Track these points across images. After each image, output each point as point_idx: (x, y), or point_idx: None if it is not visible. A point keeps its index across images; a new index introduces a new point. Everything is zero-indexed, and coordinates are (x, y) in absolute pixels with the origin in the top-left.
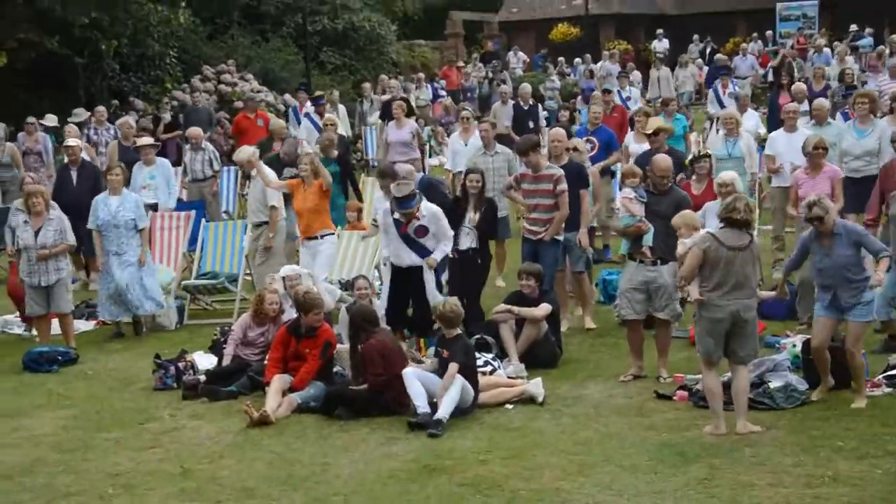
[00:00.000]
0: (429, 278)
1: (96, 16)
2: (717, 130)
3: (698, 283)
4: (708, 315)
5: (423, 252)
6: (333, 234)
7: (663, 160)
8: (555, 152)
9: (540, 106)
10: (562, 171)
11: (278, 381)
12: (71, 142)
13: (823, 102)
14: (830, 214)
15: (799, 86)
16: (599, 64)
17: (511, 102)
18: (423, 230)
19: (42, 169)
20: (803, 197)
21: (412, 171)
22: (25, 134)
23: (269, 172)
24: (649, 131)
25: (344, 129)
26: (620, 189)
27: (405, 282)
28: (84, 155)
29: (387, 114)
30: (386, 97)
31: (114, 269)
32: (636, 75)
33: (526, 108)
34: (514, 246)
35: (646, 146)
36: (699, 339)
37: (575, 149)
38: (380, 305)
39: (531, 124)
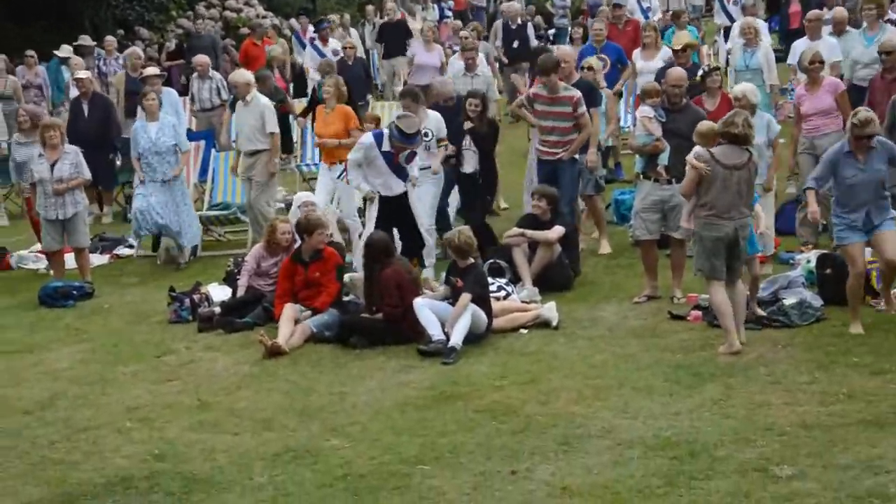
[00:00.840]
0: (416, 200)
1: None
2: (727, 41)
3: (695, 201)
4: (709, 234)
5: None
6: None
7: (676, 71)
8: (563, 72)
9: (530, 24)
10: (580, 93)
11: (290, 310)
12: (81, 74)
13: (842, 11)
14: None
15: None
16: None
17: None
18: (412, 156)
19: (42, 102)
20: (805, 114)
21: (448, 89)
22: (25, 67)
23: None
24: (678, 47)
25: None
26: (629, 107)
27: (395, 209)
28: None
29: (384, 36)
30: (383, 20)
31: (154, 197)
32: None
33: (514, 26)
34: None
35: (654, 63)
36: (701, 260)
37: (590, 67)
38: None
39: (516, 43)
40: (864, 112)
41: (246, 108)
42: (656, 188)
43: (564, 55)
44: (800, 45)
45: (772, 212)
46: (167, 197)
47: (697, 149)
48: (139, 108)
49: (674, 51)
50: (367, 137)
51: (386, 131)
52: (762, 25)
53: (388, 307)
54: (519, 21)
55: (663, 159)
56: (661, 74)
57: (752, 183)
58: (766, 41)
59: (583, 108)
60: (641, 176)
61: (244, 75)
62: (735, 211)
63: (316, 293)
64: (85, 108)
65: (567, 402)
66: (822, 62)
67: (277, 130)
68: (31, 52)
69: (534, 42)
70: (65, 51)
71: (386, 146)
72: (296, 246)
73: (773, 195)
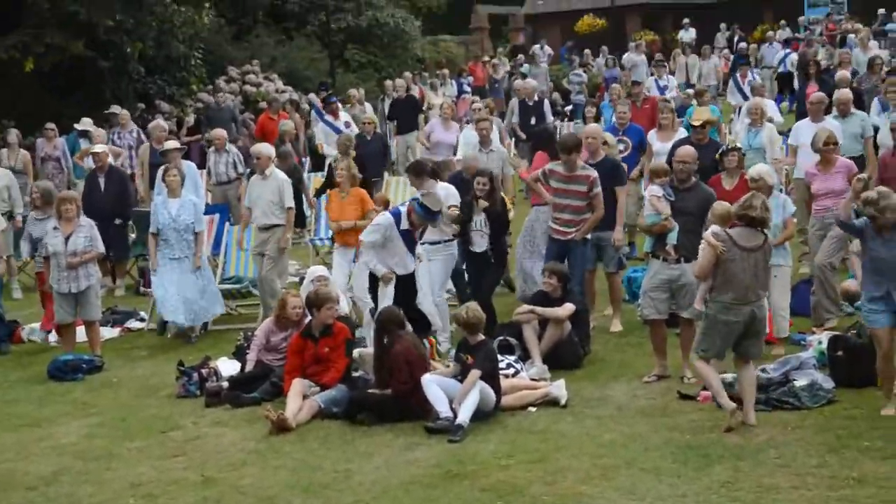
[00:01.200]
0: (425, 274)
1: (121, 18)
2: (741, 121)
3: (710, 283)
4: (724, 317)
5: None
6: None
7: (685, 149)
8: (590, 149)
9: (546, 101)
10: (596, 174)
11: (298, 385)
12: (97, 148)
13: (846, 93)
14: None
15: (843, 74)
16: (626, 56)
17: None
18: (423, 232)
19: (60, 175)
20: (816, 193)
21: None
22: (45, 140)
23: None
24: (697, 123)
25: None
26: (646, 187)
27: (406, 286)
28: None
29: (395, 114)
30: (393, 97)
31: (173, 278)
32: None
33: (531, 103)
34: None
35: (668, 144)
36: (708, 342)
37: (605, 143)
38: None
39: (533, 120)
40: (870, 194)
41: (264, 181)
42: (665, 267)
43: (592, 132)
44: (803, 126)
45: (787, 292)
46: (183, 274)
47: (714, 228)
48: (160, 183)
49: (693, 126)
50: (386, 218)
51: (403, 209)
52: (770, 105)
53: (397, 383)
54: (536, 97)
55: (672, 238)
56: (673, 152)
57: (768, 265)
58: (777, 119)
59: (598, 189)
60: (650, 255)
61: (268, 149)
62: (752, 293)
63: (325, 369)
64: (101, 181)
65: (574, 481)
66: (836, 143)
67: (293, 205)
68: (51, 126)
69: (550, 118)
70: (84, 123)
71: (404, 225)
72: (306, 321)
73: (788, 273)
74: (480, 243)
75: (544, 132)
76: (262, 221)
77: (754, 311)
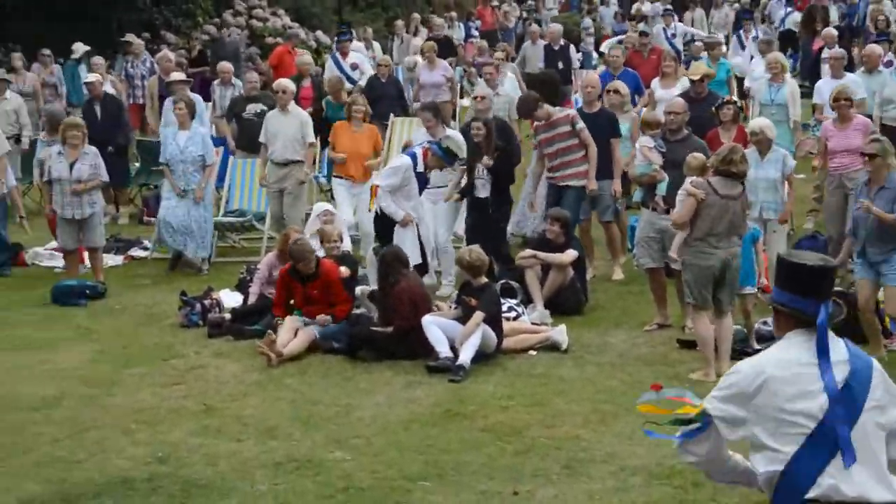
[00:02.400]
0: (433, 217)
1: None
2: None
3: (688, 232)
4: (698, 262)
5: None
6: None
7: (676, 100)
8: (587, 98)
9: (573, 47)
10: (574, 111)
11: (290, 321)
12: (91, 77)
13: (874, 48)
14: (886, 160)
15: (829, 31)
16: (635, 5)
17: (542, 43)
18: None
19: (57, 101)
20: (833, 150)
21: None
22: (41, 66)
23: None
24: (695, 77)
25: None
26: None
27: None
28: (109, 87)
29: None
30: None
31: (178, 209)
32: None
33: (556, 48)
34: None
35: (673, 91)
36: (691, 287)
37: (616, 91)
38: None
39: (560, 65)
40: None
41: (284, 117)
42: (656, 217)
43: (590, 81)
44: (824, 84)
45: (783, 246)
46: (189, 209)
47: (694, 178)
48: (168, 114)
49: (691, 81)
50: (404, 160)
51: (418, 150)
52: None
53: (400, 319)
54: (561, 42)
55: (661, 189)
56: None
57: (745, 215)
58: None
59: (581, 124)
60: (641, 205)
61: (289, 85)
62: (726, 241)
63: (319, 309)
64: (97, 109)
65: (573, 426)
66: (848, 99)
67: (314, 140)
68: (46, 51)
69: (576, 64)
70: (77, 50)
71: (420, 167)
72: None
73: (785, 230)
74: (482, 190)
75: (545, 76)
76: (281, 156)
77: (728, 259)
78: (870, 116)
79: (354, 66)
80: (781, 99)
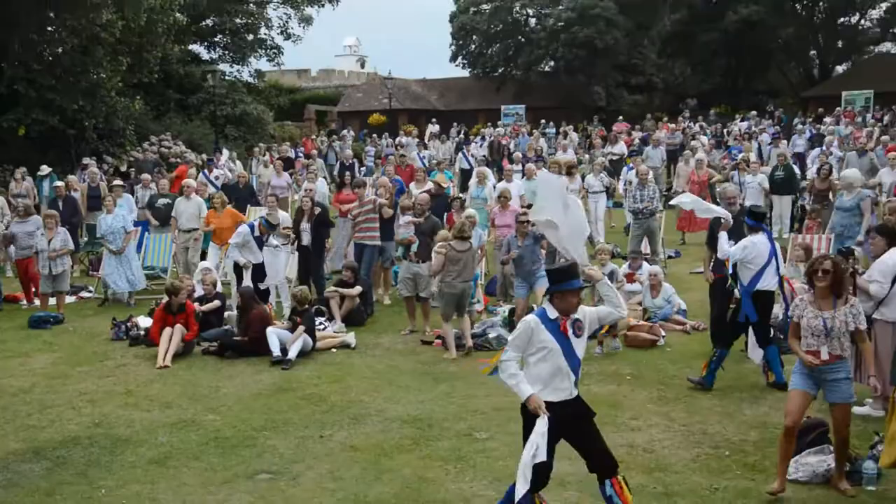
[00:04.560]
0: (271, 265)
1: (82, 104)
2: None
3: (442, 276)
4: (449, 291)
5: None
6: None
7: (422, 196)
8: (384, 195)
9: (357, 162)
10: (381, 200)
11: (165, 335)
12: (58, 183)
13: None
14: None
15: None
16: (398, 139)
17: (341, 161)
18: (269, 237)
19: (26, 201)
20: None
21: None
22: (14, 182)
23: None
24: (435, 181)
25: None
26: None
27: (257, 271)
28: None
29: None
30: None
31: (115, 263)
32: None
33: (348, 164)
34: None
35: (419, 189)
36: (443, 306)
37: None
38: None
39: (347, 175)
40: None
41: (188, 202)
42: (412, 265)
43: (383, 182)
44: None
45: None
46: (120, 260)
47: (441, 242)
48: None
49: (434, 182)
50: (244, 228)
51: (256, 223)
52: (490, 175)
53: (252, 332)
54: (349, 161)
55: (414, 248)
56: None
57: (473, 261)
58: (491, 183)
59: (382, 201)
60: (402, 258)
61: (192, 182)
62: (461, 278)
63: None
64: (60, 204)
65: (358, 393)
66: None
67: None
68: (21, 170)
69: (357, 174)
70: (43, 169)
71: (256, 233)
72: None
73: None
74: (306, 238)
75: (358, 180)
76: (186, 226)
77: (465, 289)
78: None
79: (217, 178)
80: (484, 195)
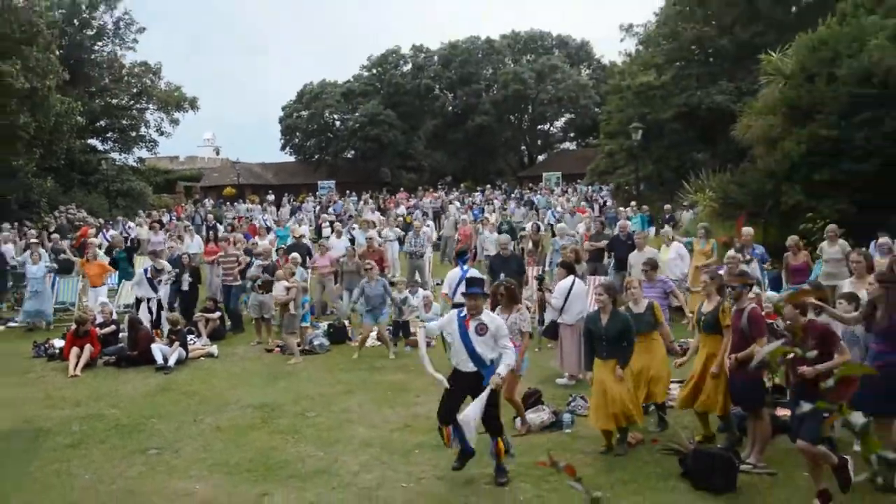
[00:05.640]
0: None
1: (7, 188)
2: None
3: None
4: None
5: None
6: (105, 285)
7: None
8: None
9: (218, 224)
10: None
11: (74, 352)
12: None
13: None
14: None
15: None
16: (243, 206)
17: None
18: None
19: None
20: None
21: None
22: None
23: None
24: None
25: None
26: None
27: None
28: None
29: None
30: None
31: (35, 299)
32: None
33: (210, 224)
34: None
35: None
36: (286, 325)
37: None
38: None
39: (211, 232)
40: None
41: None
42: (258, 296)
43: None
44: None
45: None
46: (40, 298)
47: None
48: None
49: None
50: (140, 271)
51: (148, 267)
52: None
53: (140, 348)
54: (213, 223)
55: (258, 282)
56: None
57: (299, 291)
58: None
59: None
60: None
61: (95, 240)
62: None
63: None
64: None
65: (221, 389)
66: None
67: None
68: None
69: (219, 232)
70: None
71: (149, 275)
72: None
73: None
74: (185, 284)
75: (222, 236)
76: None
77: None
78: None
79: (112, 237)
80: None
